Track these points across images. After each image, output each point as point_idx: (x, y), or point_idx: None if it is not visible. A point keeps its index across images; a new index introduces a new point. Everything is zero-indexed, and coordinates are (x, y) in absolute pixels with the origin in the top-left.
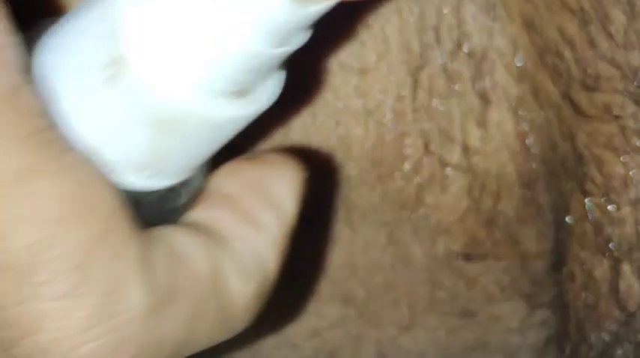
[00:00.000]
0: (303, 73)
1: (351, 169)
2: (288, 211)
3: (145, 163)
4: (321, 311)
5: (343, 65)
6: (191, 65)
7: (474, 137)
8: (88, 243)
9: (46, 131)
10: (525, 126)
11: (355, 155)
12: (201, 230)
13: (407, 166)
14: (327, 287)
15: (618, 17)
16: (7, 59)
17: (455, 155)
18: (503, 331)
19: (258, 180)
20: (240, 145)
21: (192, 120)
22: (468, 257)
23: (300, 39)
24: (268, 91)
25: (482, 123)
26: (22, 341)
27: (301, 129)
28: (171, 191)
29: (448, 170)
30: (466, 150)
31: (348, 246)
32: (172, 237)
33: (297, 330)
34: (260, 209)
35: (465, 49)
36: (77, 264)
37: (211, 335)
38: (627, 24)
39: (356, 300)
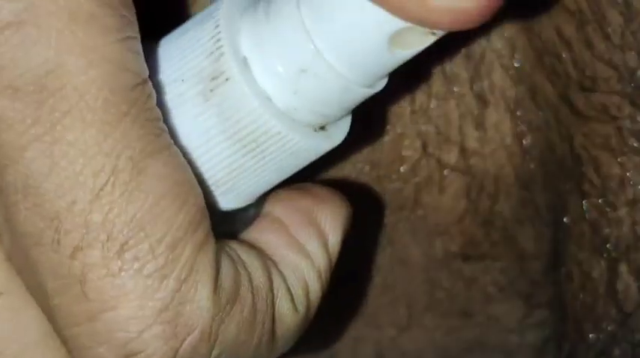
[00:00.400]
0: None
1: (349, 171)
2: (334, 244)
3: (221, 179)
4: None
5: None
6: (286, 91)
7: (472, 138)
8: (183, 230)
9: (160, 121)
10: (523, 127)
11: (354, 157)
12: (256, 249)
13: (405, 168)
14: None
15: (615, 18)
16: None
17: (453, 156)
18: (502, 331)
19: (309, 210)
20: None
21: (275, 143)
22: (466, 257)
23: (383, 82)
24: (342, 129)
25: (480, 125)
26: (100, 316)
27: None
28: (230, 215)
29: (446, 171)
30: (464, 151)
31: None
32: (234, 246)
33: None
34: (309, 238)
35: (463, 50)
36: (169, 246)
37: (257, 351)
38: (624, 25)
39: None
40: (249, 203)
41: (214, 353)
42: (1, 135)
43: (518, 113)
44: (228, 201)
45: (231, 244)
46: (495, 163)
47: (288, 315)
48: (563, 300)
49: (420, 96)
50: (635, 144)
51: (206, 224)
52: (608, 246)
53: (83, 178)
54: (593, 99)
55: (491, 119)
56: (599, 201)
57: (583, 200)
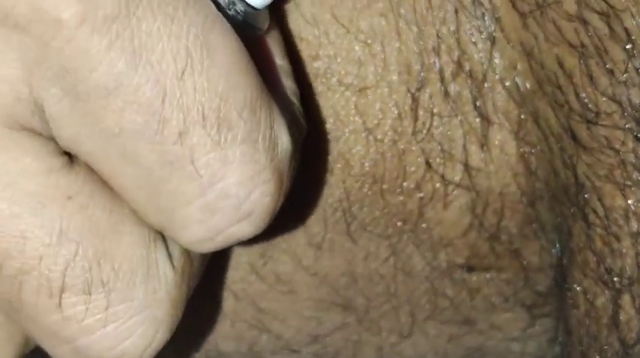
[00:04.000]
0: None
1: (351, 184)
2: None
3: None
4: (320, 318)
5: (342, 83)
6: None
7: (476, 157)
8: (255, 91)
9: None
10: (527, 149)
11: (356, 172)
12: None
13: (408, 183)
14: (326, 294)
15: (618, 54)
16: None
17: (457, 174)
18: (504, 339)
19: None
20: None
21: None
22: (470, 268)
23: None
24: None
25: (484, 144)
26: (209, 189)
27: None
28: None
29: (450, 188)
30: (468, 169)
31: (348, 256)
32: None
33: (297, 336)
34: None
35: (466, 69)
36: (251, 110)
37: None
38: (628, 60)
39: (356, 308)
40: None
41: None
42: (86, 41)
43: (521, 135)
44: None
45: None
46: (500, 182)
47: (303, 127)
48: (569, 326)
49: (422, 114)
50: (639, 178)
51: (262, 81)
52: (611, 276)
53: (166, 65)
54: (595, 132)
55: (495, 139)
56: (603, 231)
57: (587, 228)
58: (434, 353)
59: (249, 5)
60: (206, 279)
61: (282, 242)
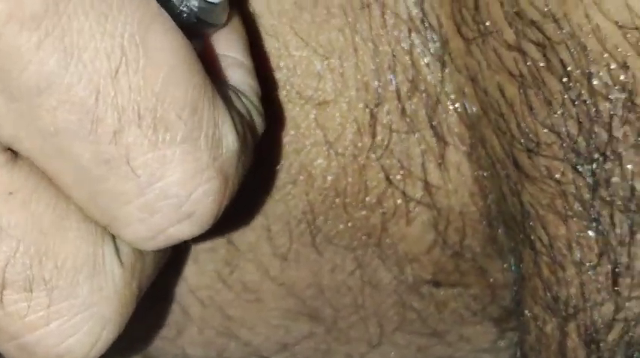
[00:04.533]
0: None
1: (314, 197)
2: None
3: None
4: (288, 327)
5: (302, 96)
6: None
7: (435, 176)
8: (197, 91)
9: None
10: (481, 172)
11: (318, 185)
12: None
13: (370, 198)
14: (293, 304)
15: (555, 85)
16: None
17: (417, 191)
18: (473, 351)
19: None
20: None
21: None
22: (437, 284)
23: None
24: None
25: (441, 163)
26: (148, 189)
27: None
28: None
29: (412, 205)
30: (428, 186)
31: (315, 268)
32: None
33: (266, 343)
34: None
35: (421, 89)
36: (192, 110)
37: (251, 159)
38: (564, 92)
39: (324, 318)
40: None
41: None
42: (14, 38)
43: (474, 158)
44: None
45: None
46: (460, 201)
47: (260, 125)
48: (523, 350)
49: (380, 130)
50: (580, 209)
51: (208, 79)
52: (558, 304)
53: (99, 63)
54: (537, 162)
55: (451, 159)
56: (549, 259)
57: (535, 255)
58: None
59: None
60: (171, 285)
61: (247, 251)
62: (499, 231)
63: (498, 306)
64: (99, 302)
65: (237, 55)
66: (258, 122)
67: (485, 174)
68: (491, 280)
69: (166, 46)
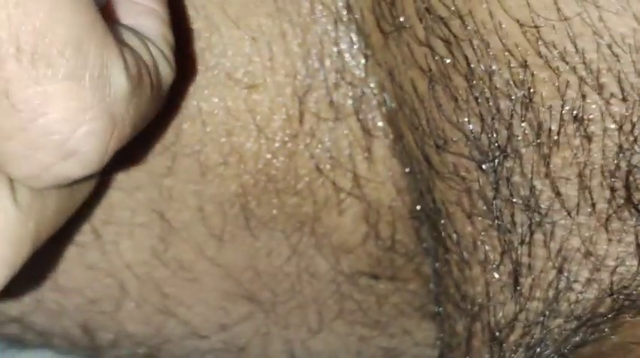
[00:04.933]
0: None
1: (246, 180)
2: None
3: None
4: (227, 308)
5: (231, 77)
6: None
7: (363, 168)
8: (83, 29)
9: None
10: (404, 168)
11: (250, 168)
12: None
13: (301, 186)
14: (231, 286)
15: (460, 82)
16: None
17: (347, 182)
18: (417, 345)
19: None
20: (134, 152)
21: None
22: (375, 276)
23: None
24: None
25: (368, 156)
26: (30, 125)
27: (193, 134)
28: None
29: (342, 195)
30: (357, 178)
31: (250, 251)
32: (120, 32)
33: (204, 323)
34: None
35: (347, 80)
36: (76, 48)
37: (151, 114)
38: (469, 89)
39: (261, 301)
40: None
41: (135, 130)
42: None
43: (397, 153)
44: None
45: (117, 28)
46: (388, 195)
47: (168, 74)
48: (441, 348)
49: (309, 117)
50: (484, 208)
51: (101, 19)
52: (466, 303)
53: None
54: (445, 159)
55: (378, 152)
56: (458, 257)
57: (446, 253)
58: (346, 350)
59: None
60: (103, 255)
61: (181, 230)
62: (423, 228)
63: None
64: None
65: (152, 3)
66: (166, 72)
67: (407, 169)
68: (425, 276)
69: None
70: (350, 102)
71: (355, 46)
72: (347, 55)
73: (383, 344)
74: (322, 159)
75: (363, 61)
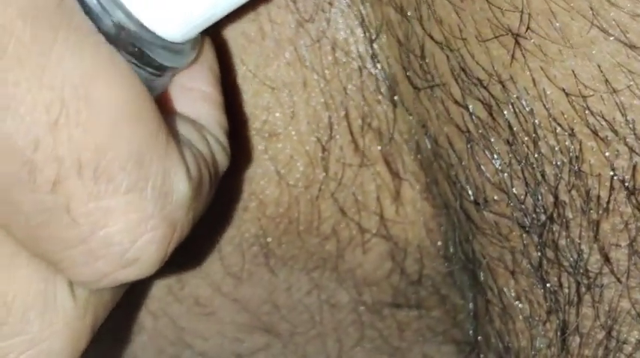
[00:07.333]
0: None
1: (267, 223)
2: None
3: None
4: (243, 339)
5: (251, 127)
6: None
7: (391, 210)
8: (144, 141)
9: (93, 34)
10: (437, 211)
11: (271, 212)
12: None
13: (325, 228)
14: (248, 319)
15: (502, 146)
16: None
17: (373, 223)
18: None
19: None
20: None
21: None
22: (397, 305)
23: None
24: None
25: (396, 199)
26: (91, 237)
27: None
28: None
29: (367, 236)
30: (384, 220)
31: (270, 287)
32: (180, 126)
33: (220, 354)
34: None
35: (374, 126)
36: (138, 161)
37: (208, 199)
38: (510, 152)
39: (280, 333)
40: (189, 37)
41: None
42: None
43: (429, 196)
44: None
45: (176, 122)
46: (417, 236)
47: (224, 160)
48: None
49: (333, 164)
50: (528, 267)
51: (163, 125)
52: (510, 355)
53: (38, 114)
54: (486, 217)
55: (407, 196)
56: (500, 310)
57: (487, 303)
58: None
59: (164, 47)
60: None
61: (198, 271)
62: (457, 267)
63: (460, 329)
64: (49, 337)
65: (206, 87)
66: (222, 160)
67: (440, 213)
68: (450, 305)
69: (112, 98)
70: (377, 147)
71: (382, 94)
72: (373, 102)
73: None
74: (347, 203)
75: (391, 107)
